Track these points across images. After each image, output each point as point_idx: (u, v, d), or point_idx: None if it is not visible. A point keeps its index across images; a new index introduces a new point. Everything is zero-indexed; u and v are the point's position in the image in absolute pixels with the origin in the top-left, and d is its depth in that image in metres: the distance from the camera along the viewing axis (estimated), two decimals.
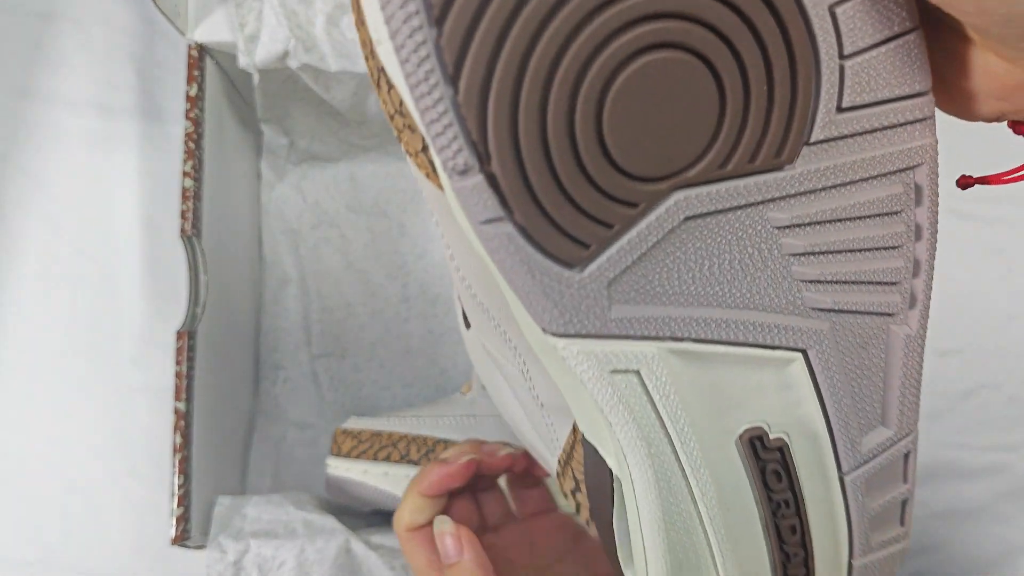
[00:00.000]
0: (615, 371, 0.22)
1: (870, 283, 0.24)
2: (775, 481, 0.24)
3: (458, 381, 0.56)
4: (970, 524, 0.55)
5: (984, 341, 0.57)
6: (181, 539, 0.42)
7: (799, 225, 0.23)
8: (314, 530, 0.42)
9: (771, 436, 0.24)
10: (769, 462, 0.24)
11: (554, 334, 0.22)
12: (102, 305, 0.54)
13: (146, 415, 0.53)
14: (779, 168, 0.22)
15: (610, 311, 0.22)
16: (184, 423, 0.43)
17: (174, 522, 0.42)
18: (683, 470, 0.24)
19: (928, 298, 0.25)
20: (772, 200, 0.23)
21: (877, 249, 0.24)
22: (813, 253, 0.23)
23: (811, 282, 0.23)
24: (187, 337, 0.44)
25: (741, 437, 0.24)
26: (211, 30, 0.46)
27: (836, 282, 0.24)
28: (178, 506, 0.42)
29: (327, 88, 0.49)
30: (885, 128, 0.23)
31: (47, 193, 0.55)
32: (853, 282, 0.24)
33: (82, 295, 0.55)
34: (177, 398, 0.43)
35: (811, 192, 0.23)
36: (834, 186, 0.23)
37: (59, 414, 0.53)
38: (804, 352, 0.24)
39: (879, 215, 0.24)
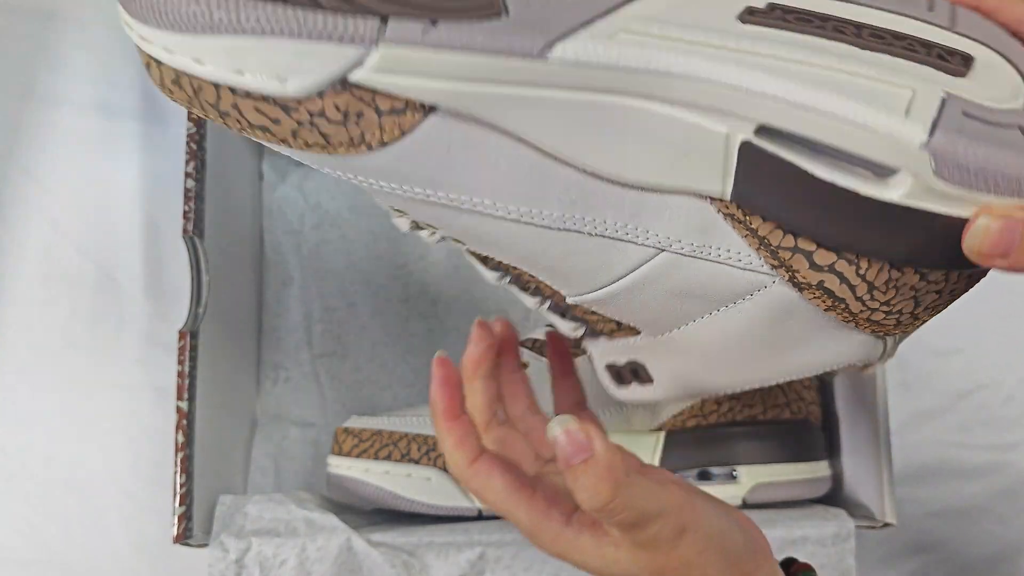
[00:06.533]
0: None
1: None
2: None
3: None
4: (968, 523, 0.56)
5: (983, 340, 0.58)
6: (183, 538, 0.42)
7: None
8: (315, 528, 0.43)
9: None
10: None
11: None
12: (104, 305, 0.55)
13: (148, 414, 0.53)
14: None
15: None
16: (186, 422, 0.43)
17: (176, 521, 0.42)
18: None
19: None
20: None
21: None
22: None
23: None
24: (189, 337, 0.44)
25: None
26: None
27: None
28: (180, 505, 0.42)
29: None
30: None
31: (49, 193, 0.56)
32: None
33: (84, 295, 0.55)
34: (179, 397, 0.43)
35: None
36: None
37: (61, 414, 0.54)
38: None
39: None
